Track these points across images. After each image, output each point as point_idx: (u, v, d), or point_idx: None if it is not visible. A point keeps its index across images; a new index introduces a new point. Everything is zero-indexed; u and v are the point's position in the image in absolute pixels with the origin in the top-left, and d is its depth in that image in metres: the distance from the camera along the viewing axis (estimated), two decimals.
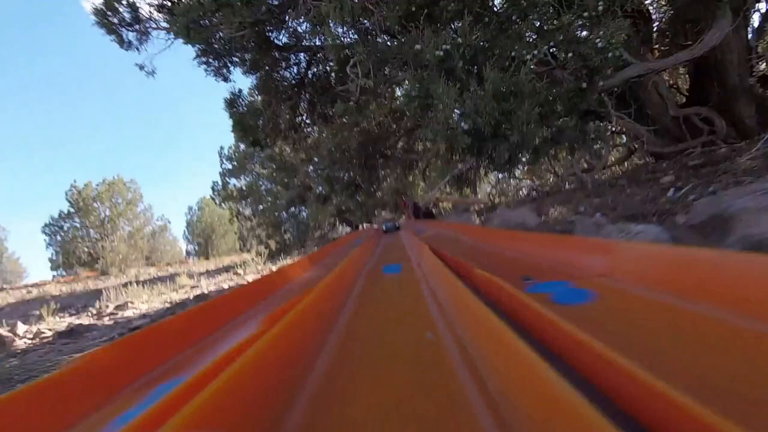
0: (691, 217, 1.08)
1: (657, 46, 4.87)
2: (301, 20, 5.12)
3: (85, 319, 6.41)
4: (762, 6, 4.63)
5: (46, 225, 25.32)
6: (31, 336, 5.26)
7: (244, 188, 17.53)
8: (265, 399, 0.58)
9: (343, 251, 2.99)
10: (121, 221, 25.35)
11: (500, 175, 8.44)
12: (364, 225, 10.95)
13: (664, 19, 3.62)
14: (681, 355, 0.63)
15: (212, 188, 18.34)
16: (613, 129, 4.70)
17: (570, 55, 2.56)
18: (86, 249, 25.78)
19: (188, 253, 29.63)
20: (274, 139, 6.95)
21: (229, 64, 5.31)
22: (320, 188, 7.42)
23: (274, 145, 7.36)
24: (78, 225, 25.01)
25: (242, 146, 17.04)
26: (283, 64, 5.87)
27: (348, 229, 15.25)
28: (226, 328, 1.30)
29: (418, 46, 2.59)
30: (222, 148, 17.55)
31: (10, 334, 5.56)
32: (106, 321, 5.62)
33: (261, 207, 17.40)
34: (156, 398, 0.62)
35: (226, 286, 7.27)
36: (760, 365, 0.57)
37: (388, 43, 2.85)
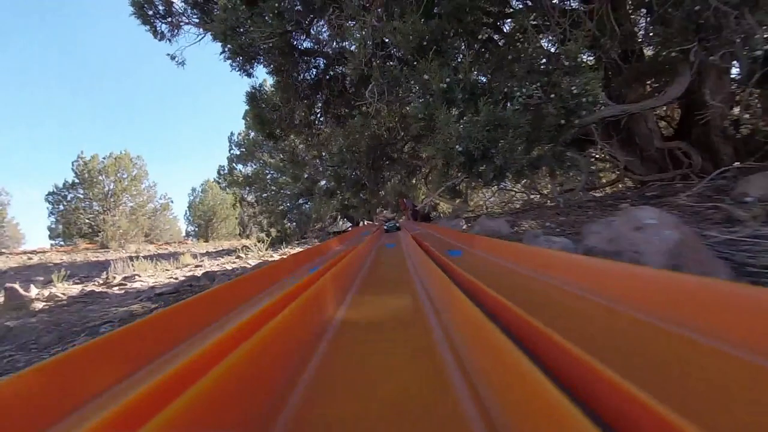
0: (583, 234, 1.66)
1: (649, 82, 5.41)
2: (323, 29, 5.66)
3: (93, 287, 6.97)
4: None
5: (49, 193, 25.87)
6: (43, 298, 5.81)
7: (250, 175, 18.09)
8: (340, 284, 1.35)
9: (357, 238, 4.64)
10: (124, 196, 25.91)
11: (501, 184, 9.00)
12: (365, 222, 11.48)
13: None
14: (486, 272, 1.80)
15: (218, 172, 18.87)
16: (597, 156, 5.25)
17: (552, 95, 3.11)
18: (87, 221, 26.31)
19: (188, 234, 30.17)
20: (288, 133, 7.49)
21: (254, 63, 5.85)
22: (325, 183, 7.96)
23: (287, 138, 7.93)
24: (81, 196, 25.57)
25: (252, 134, 17.59)
26: (304, 66, 6.40)
27: (348, 224, 15.80)
28: (304, 267, 2.52)
29: (426, 76, 3.14)
30: (232, 134, 18.06)
31: (28, 294, 6.13)
32: (116, 290, 6.15)
33: (265, 195, 17.94)
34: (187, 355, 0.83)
35: (229, 268, 7.77)
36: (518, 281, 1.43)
37: (402, 68, 3.39)
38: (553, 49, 3.63)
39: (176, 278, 7.04)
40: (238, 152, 18.73)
